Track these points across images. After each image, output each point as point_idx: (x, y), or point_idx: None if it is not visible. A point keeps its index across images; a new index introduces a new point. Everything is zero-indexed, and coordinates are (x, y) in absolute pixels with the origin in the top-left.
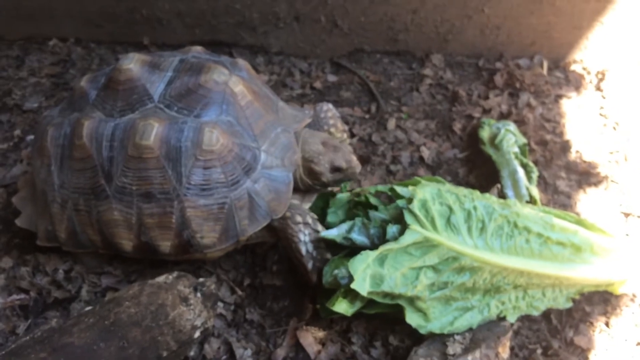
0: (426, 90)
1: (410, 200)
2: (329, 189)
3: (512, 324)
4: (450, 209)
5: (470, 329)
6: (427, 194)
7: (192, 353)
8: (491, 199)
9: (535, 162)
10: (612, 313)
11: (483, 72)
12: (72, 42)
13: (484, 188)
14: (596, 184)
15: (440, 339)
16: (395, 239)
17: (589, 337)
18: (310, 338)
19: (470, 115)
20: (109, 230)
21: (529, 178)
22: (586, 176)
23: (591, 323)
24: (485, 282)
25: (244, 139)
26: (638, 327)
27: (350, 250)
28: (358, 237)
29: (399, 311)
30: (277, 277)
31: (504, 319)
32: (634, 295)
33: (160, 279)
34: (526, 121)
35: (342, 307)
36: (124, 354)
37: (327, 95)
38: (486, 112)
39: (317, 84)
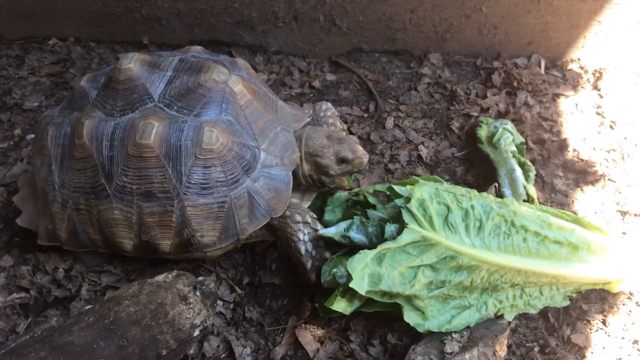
0: (424, 89)
1: (408, 199)
2: (337, 186)
3: (509, 322)
4: (448, 208)
5: (467, 327)
6: (425, 193)
7: (191, 351)
8: (489, 197)
9: (533, 161)
10: (609, 311)
11: (481, 71)
12: (71, 41)
13: (482, 187)
14: (593, 182)
15: (438, 337)
16: (393, 238)
17: (586, 335)
18: (309, 336)
19: (468, 114)
20: (110, 229)
21: (527, 177)
22: (583, 175)
23: (588, 321)
24: (482, 280)
25: (243, 138)
26: (635, 325)
27: (349, 249)
28: (356, 236)
29: (397, 310)
30: (276, 275)
31: (501, 317)
32: (630, 294)
33: (160, 277)
34: (524, 120)
35: (340, 306)
36: (124, 352)
37: (325, 94)
38: (484, 111)
39: (316, 83)
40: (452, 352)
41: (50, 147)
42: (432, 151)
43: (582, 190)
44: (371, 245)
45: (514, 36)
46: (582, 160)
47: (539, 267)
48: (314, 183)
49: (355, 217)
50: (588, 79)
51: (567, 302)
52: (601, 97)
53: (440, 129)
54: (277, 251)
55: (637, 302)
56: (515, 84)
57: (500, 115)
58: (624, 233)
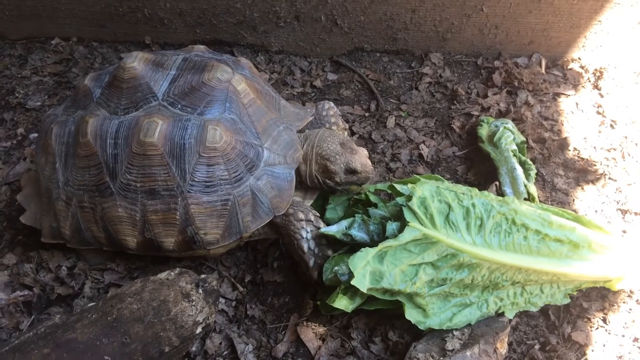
0: (425, 88)
1: (409, 197)
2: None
3: (510, 320)
4: (449, 206)
5: (468, 325)
6: (426, 191)
7: (193, 348)
8: (489, 196)
9: (533, 160)
10: (610, 309)
11: (482, 71)
12: (74, 41)
13: (483, 185)
14: (594, 181)
15: (439, 335)
16: (394, 236)
17: (587, 333)
18: (311, 334)
19: (469, 113)
20: (113, 227)
21: (527, 175)
22: (584, 173)
23: (589, 319)
24: (483, 278)
25: (246, 136)
26: (635, 323)
27: (350, 247)
28: (358, 234)
29: (398, 307)
30: (278, 273)
31: (502, 315)
32: (631, 292)
33: (163, 275)
34: (524, 119)
35: (342, 303)
36: (127, 349)
37: (327, 94)
38: (485, 110)
39: (318, 83)
40: (453, 350)
41: (54, 145)
42: (433, 150)
43: (582, 189)
44: (373, 243)
45: (515, 36)
46: (582, 159)
47: (540, 265)
48: (318, 183)
49: (356, 215)
50: (589, 79)
51: (567, 300)
52: (602, 96)
53: (441, 128)
54: (278, 249)
55: (637, 300)
56: (516, 84)
57: (501, 114)
58: (624, 231)
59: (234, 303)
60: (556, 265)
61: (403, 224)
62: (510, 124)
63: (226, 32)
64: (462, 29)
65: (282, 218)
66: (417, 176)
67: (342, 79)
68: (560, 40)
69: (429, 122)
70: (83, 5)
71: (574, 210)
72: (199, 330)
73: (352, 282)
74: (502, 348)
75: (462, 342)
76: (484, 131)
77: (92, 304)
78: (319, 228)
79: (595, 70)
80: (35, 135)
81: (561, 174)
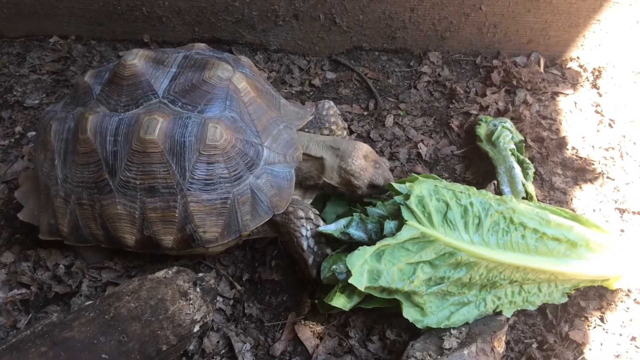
0: (424, 87)
1: (407, 196)
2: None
3: (508, 319)
4: (447, 205)
5: (466, 324)
6: (424, 190)
7: (191, 347)
8: (487, 195)
9: (532, 159)
10: (607, 308)
11: (480, 70)
12: (72, 39)
13: (481, 184)
14: (592, 180)
15: (437, 333)
16: (392, 234)
17: (584, 331)
18: (309, 332)
19: (467, 112)
20: (112, 224)
21: (525, 174)
22: (582, 172)
23: (586, 318)
24: (481, 277)
25: (247, 134)
26: (633, 322)
27: (348, 245)
28: (356, 232)
29: (396, 306)
30: (276, 272)
31: (500, 313)
32: (629, 291)
33: (160, 273)
34: (523, 118)
35: (340, 302)
36: (124, 348)
37: (325, 93)
38: (483, 109)
39: (316, 81)
40: (451, 348)
41: (53, 141)
42: (432, 149)
43: (580, 188)
44: (370, 242)
45: (514, 35)
46: (580, 158)
47: (538, 263)
48: (332, 189)
49: (354, 214)
50: (587, 78)
51: (565, 299)
52: (600, 95)
53: (440, 127)
54: (276, 248)
55: (635, 299)
56: (514, 83)
57: (500, 113)
58: (622, 230)
59: (231, 302)
60: (554, 264)
61: (401, 223)
62: (509, 123)
63: (225, 31)
64: (461, 28)
65: (282, 216)
66: (415, 175)
67: (340, 77)
68: (559, 40)
69: (428, 121)
70: (81, 3)
71: (572, 209)
72: (196, 328)
73: (350, 281)
74: (500, 347)
75: (459, 340)
76: (482, 130)
77: (90, 302)
78: (318, 226)
79: (594, 69)
80: (33, 133)
81: (559, 172)
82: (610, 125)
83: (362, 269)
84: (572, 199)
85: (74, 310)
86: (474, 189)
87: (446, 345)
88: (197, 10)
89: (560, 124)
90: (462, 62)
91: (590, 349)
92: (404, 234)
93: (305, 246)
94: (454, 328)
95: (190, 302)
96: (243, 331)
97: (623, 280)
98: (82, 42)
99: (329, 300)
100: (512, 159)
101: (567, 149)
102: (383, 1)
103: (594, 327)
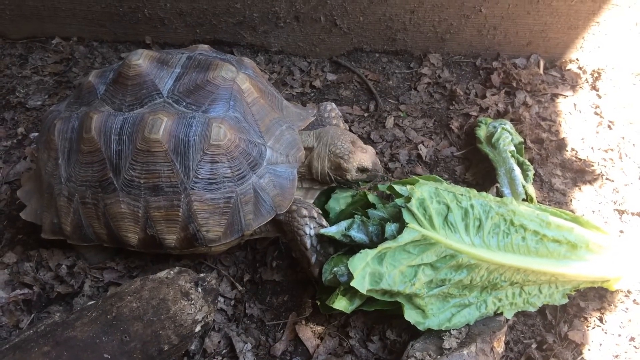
0: (424, 89)
1: (408, 198)
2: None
3: (507, 319)
4: (448, 207)
5: (466, 324)
6: (425, 192)
7: (192, 347)
8: (488, 197)
9: (531, 160)
10: (607, 309)
11: (480, 72)
12: (74, 41)
13: (481, 186)
14: (591, 181)
15: (437, 334)
16: (393, 237)
17: (583, 332)
18: (309, 332)
19: (467, 113)
20: (116, 223)
21: (525, 176)
22: (581, 174)
23: (585, 318)
24: (482, 279)
25: (250, 135)
26: (632, 322)
27: (350, 248)
28: (357, 235)
29: (397, 308)
30: (277, 272)
31: (500, 314)
32: (628, 292)
33: (162, 274)
34: (522, 120)
35: (341, 304)
36: (126, 347)
37: (326, 94)
38: (483, 110)
39: (317, 83)
40: (450, 348)
41: (57, 140)
42: (432, 150)
43: (580, 189)
44: (372, 245)
45: (513, 37)
46: (580, 159)
47: (538, 265)
48: (329, 180)
49: (356, 216)
50: (586, 79)
51: (565, 300)
52: (599, 97)
53: (440, 129)
54: (277, 248)
55: (634, 300)
56: (514, 84)
57: (499, 115)
58: (621, 232)
59: (232, 302)
60: (554, 266)
61: (402, 225)
62: (509, 125)
63: (226, 32)
64: (461, 30)
65: (286, 215)
66: (416, 177)
67: (341, 79)
68: (559, 42)
69: (428, 122)
70: (83, 5)
71: (572, 211)
72: (198, 328)
73: (352, 284)
74: (499, 347)
75: (459, 340)
76: (482, 132)
77: (92, 302)
78: (322, 225)
79: (593, 71)
80: (36, 134)
81: (559, 174)
82: (609, 126)
83: (363, 271)
84: (571, 200)
85: (76, 310)
86: (475, 191)
87: (446, 345)
88: (199, 12)
89: (560, 125)
90: (462, 63)
91: (589, 349)
92: (405, 236)
93: (308, 245)
94: (454, 328)
95: (192, 302)
96: (244, 331)
97: (623, 281)
98: (84, 43)
99: (330, 302)
100: (512, 161)
101: (567, 151)
102: (383, 3)
103: (593, 328)
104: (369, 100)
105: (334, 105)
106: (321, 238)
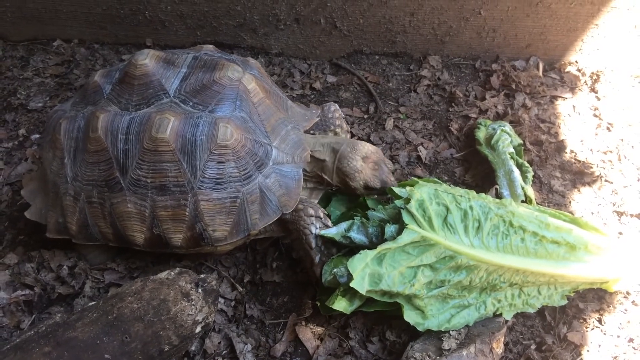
0: (424, 91)
1: (407, 200)
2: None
3: (506, 320)
4: (447, 208)
5: (466, 325)
6: (425, 194)
7: (193, 348)
8: (487, 198)
9: (531, 162)
10: (606, 310)
11: (479, 74)
12: (76, 43)
13: (480, 187)
14: (590, 183)
15: (436, 335)
16: (393, 238)
17: (582, 333)
18: (309, 333)
19: (467, 115)
20: (122, 222)
21: (525, 178)
22: (580, 176)
23: (584, 319)
24: (481, 280)
25: (256, 134)
26: (631, 323)
27: (349, 249)
28: (357, 236)
29: (397, 309)
30: (277, 273)
31: (499, 315)
32: (627, 293)
33: (163, 275)
34: (522, 122)
35: (341, 305)
36: (127, 348)
37: (326, 96)
38: (482, 112)
39: (317, 85)
40: (450, 349)
41: (63, 140)
42: (431, 152)
43: (579, 191)
44: (371, 246)
45: (513, 39)
46: (579, 161)
47: (537, 266)
48: (337, 190)
49: (355, 217)
50: (585, 82)
51: (565, 301)
52: (598, 99)
53: (439, 130)
54: (277, 250)
55: (633, 301)
56: (513, 86)
57: (499, 117)
58: (620, 233)
59: (233, 303)
60: (553, 267)
61: (401, 227)
62: (508, 127)
63: (226, 35)
64: (461, 32)
65: (292, 214)
66: (416, 179)
67: (341, 81)
68: (558, 44)
69: (427, 124)
70: (84, 7)
71: (571, 212)
72: (198, 329)
73: (351, 285)
74: (498, 348)
75: (458, 341)
76: (481, 134)
77: (93, 303)
78: (327, 225)
79: (592, 73)
80: (37, 136)
81: (558, 176)
82: (608, 128)
83: (363, 272)
84: (570, 202)
85: (77, 311)
86: (474, 192)
87: (445, 346)
88: (199, 14)
89: (559, 127)
90: (461, 66)
91: (588, 351)
92: (405, 237)
93: (313, 244)
94: (453, 329)
95: (192, 303)
96: (244, 332)
97: (622, 283)
98: (85, 45)
99: (330, 303)
100: (511, 163)
101: (566, 153)
102: (383, 5)
103: (592, 329)
104: (368, 102)
105: (337, 106)
106: (323, 239)
